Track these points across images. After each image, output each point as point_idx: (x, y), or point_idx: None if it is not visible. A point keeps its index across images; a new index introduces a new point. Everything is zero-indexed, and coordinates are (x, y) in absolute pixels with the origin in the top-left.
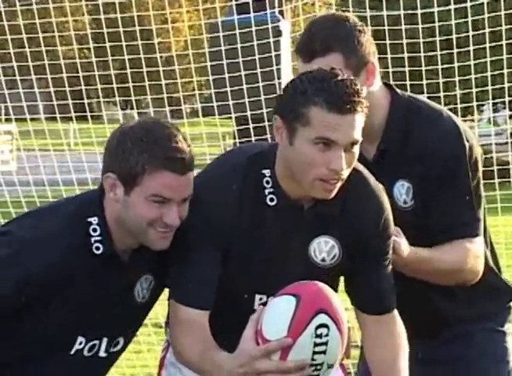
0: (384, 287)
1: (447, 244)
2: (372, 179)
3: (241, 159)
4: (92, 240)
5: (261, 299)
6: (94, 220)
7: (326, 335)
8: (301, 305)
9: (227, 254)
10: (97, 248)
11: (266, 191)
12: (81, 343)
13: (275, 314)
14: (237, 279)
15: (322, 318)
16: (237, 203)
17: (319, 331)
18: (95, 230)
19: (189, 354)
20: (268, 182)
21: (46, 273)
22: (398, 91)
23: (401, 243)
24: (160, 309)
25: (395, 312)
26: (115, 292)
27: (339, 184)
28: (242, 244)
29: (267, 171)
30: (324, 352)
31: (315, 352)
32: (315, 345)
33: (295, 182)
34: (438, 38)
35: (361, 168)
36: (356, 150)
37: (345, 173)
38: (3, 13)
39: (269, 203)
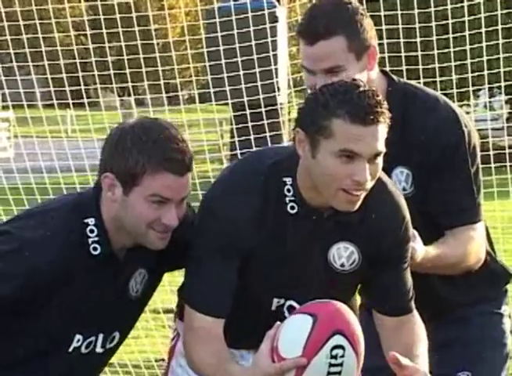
0: (404, 290)
1: (450, 235)
2: (391, 186)
3: (262, 167)
4: (90, 240)
5: (278, 302)
6: (91, 221)
7: (342, 356)
8: (317, 325)
9: (248, 260)
10: (94, 249)
11: (287, 199)
12: (78, 341)
13: (292, 332)
14: (257, 283)
15: (339, 339)
16: (259, 210)
17: (334, 352)
18: (92, 231)
19: (203, 365)
20: (289, 191)
21: (44, 273)
22: (395, 77)
23: (417, 248)
24: (157, 296)
25: (415, 311)
26: (110, 289)
27: (363, 195)
28: (263, 250)
29: (288, 180)
30: (339, 373)
31: (329, 373)
32: (330, 365)
33: (317, 192)
34: (433, 23)
35: (381, 174)
36: (380, 161)
37: (369, 184)
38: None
39: (290, 211)
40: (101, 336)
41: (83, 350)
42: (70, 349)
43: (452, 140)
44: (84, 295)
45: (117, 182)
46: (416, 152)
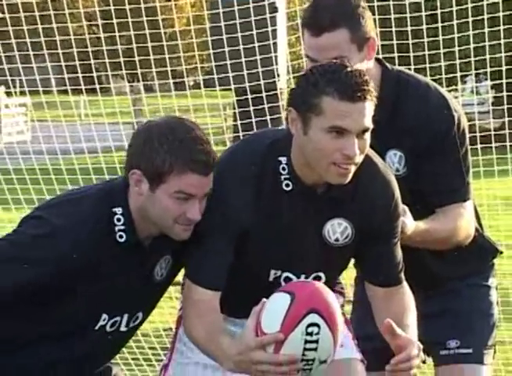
0: (394, 262)
1: (441, 212)
2: (382, 165)
3: (260, 147)
4: (116, 228)
5: (275, 274)
6: (118, 210)
7: (317, 334)
8: (294, 303)
9: (246, 235)
10: (120, 237)
11: (282, 177)
12: (104, 319)
13: (272, 309)
14: (255, 256)
15: (314, 317)
16: (256, 189)
17: (309, 330)
18: (119, 220)
19: (196, 334)
20: (284, 169)
21: (73, 259)
22: (388, 65)
23: (407, 223)
24: None
25: (404, 283)
26: (136, 274)
27: (353, 168)
28: (260, 225)
29: (283, 159)
30: (315, 349)
31: (305, 349)
32: (306, 342)
33: (310, 169)
34: (423, 13)
35: (371, 153)
36: (367, 136)
37: (358, 158)
38: None
39: (285, 188)
40: (126, 316)
41: (108, 329)
42: (97, 327)
43: (443, 126)
44: (111, 281)
45: (144, 179)
46: (409, 136)
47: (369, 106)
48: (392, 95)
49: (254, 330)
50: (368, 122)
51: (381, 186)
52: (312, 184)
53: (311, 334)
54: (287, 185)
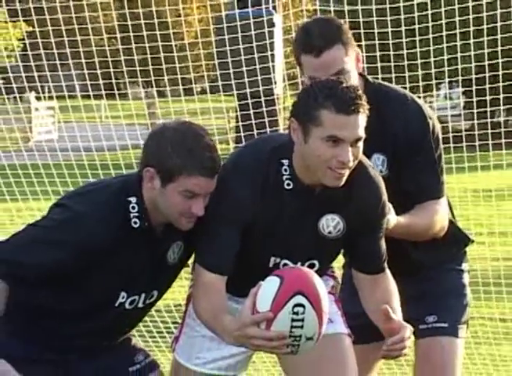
0: (379, 253)
1: (418, 207)
2: (371, 168)
3: (265, 150)
4: (131, 215)
5: (275, 261)
6: (133, 199)
7: (303, 313)
8: (283, 285)
9: (251, 227)
10: (135, 223)
11: (284, 177)
12: (123, 297)
13: (265, 291)
14: (258, 245)
15: (299, 299)
16: (260, 186)
17: (295, 309)
18: (133, 208)
19: (204, 314)
20: (286, 170)
21: (94, 241)
22: (369, 78)
23: (389, 219)
24: None
25: (387, 271)
26: (151, 258)
27: (347, 173)
28: (263, 219)
29: (285, 161)
30: (301, 327)
31: (292, 327)
32: (293, 320)
33: (309, 172)
34: (403, 28)
35: (363, 158)
36: (360, 145)
37: (352, 164)
38: (45, 9)
39: (286, 187)
40: (143, 295)
41: (127, 306)
42: (116, 304)
43: (419, 131)
44: (128, 263)
45: (157, 176)
46: (390, 141)
47: (362, 118)
48: (374, 105)
49: (251, 309)
50: (361, 132)
51: (372, 187)
52: (310, 184)
53: (297, 313)
54: (288, 184)
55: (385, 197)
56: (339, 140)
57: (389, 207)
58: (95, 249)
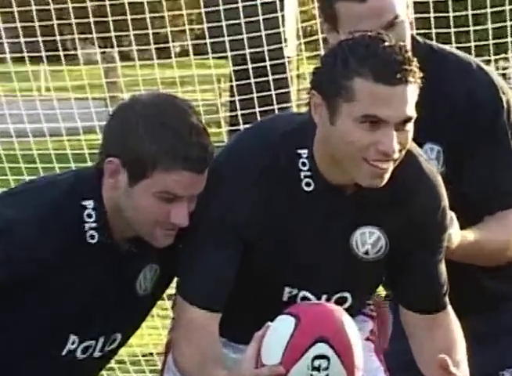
0: (438, 283)
1: (490, 219)
2: (426, 162)
3: (272, 138)
4: (86, 226)
5: (290, 293)
6: (89, 204)
7: (326, 369)
8: (299, 329)
9: (255, 244)
10: (92, 237)
11: (302, 174)
12: (73, 343)
13: (274, 336)
14: (266, 270)
15: (322, 348)
16: (265, 188)
17: (316, 363)
18: (89, 216)
19: (187, 364)
20: (304, 164)
21: (31, 261)
22: (418, 38)
23: (452, 234)
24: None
25: (449, 307)
26: (113, 287)
27: (391, 168)
28: (272, 234)
29: (304, 152)
30: None
31: None
32: None
33: (337, 166)
34: None
35: (413, 146)
36: (410, 127)
37: (397, 155)
38: None
39: (305, 188)
40: (101, 340)
41: (78, 355)
42: (64, 352)
43: (489, 110)
44: (78, 289)
45: (123, 170)
46: (448, 125)
47: (413, 91)
48: (427, 75)
49: (254, 361)
50: (411, 110)
51: (426, 188)
52: (339, 184)
53: (318, 368)
54: (308, 184)
55: (446, 202)
56: (380, 121)
57: (451, 216)
58: (32, 273)
